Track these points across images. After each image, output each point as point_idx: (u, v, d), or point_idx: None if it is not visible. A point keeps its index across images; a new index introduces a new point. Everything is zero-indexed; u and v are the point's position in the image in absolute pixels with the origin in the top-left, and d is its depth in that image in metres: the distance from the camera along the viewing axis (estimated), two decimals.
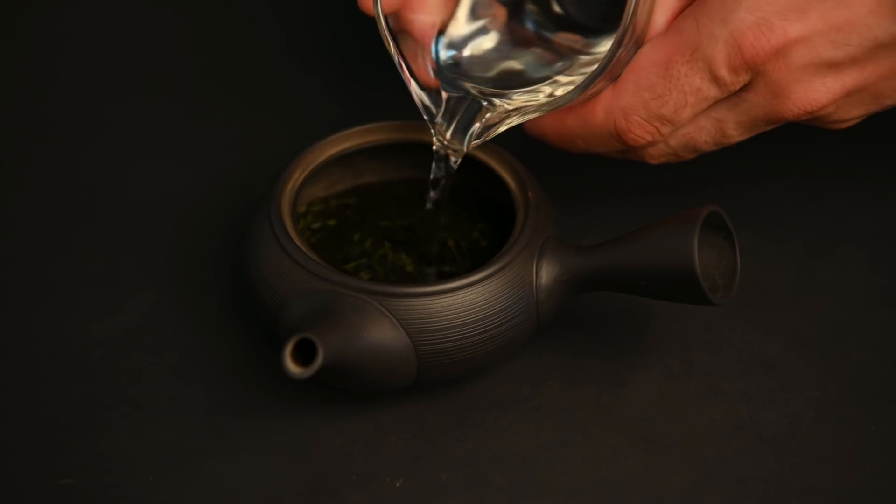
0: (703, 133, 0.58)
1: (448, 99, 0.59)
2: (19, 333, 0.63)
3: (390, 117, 0.64)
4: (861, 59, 0.54)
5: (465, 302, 0.56)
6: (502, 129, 0.58)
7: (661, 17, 0.56)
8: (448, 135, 0.58)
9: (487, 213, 0.65)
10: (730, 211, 0.59)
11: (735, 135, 0.58)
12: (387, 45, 0.57)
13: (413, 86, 0.58)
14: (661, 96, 0.56)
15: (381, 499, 0.57)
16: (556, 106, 0.56)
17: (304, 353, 0.52)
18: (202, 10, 0.83)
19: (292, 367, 0.51)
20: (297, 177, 0.61)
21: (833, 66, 0.55)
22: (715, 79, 0.55)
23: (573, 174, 0.71)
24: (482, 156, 0.63)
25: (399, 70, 0.58)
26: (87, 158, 0.73)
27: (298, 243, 0.58)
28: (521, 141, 0.65)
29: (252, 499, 0.57)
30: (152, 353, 0.62)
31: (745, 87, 0.56)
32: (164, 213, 0.70)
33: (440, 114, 0.58)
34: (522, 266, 0.58)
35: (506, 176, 0.62)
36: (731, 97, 0.57)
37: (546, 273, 0.58)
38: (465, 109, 0.58)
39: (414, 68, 0.58)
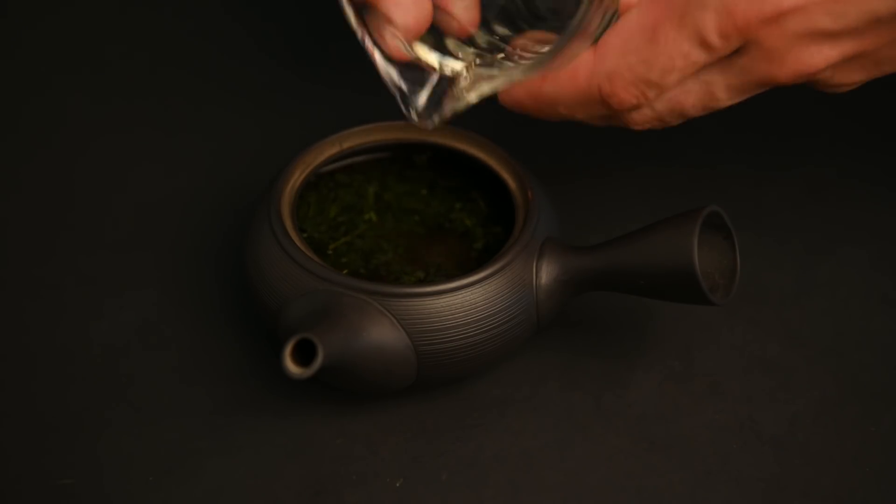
0: (691, 96, 0.56)
1: (417, 68, 0.55)
2: (18, 333, 0.63)
3: (390, 118, 0.64)
4: (859, 30, 0.52)
5: (465, 302, 0.56)
6: (473, 99, 0.55)
7: None
8: (419, 109, 0.56)
9: (489, 209, 0.65)
10: (730, 211, 0.58)
11: (724, 98, 0.56)
12: (347, 16, 0.54)
13: (378, 57, 0.55)
14: (648, 60, 0.53)
15: (381, 499, 0.57)
16: (528, 73, 0.52)
17: (304, 353, 0.52)
18: (203, 10, 0.83)
19: (292, 367, 0.51)
20: (297, 177, 0.61)
21: (830, 35, 0.52)
22: (704, 44, 0.52)
23: (573, 175, 0.71)
24: (482, 156, 0.63)
25: (361, 42, 0.55)
26: (87, 158, 0.73)
27: (298, 243, 0.58)
28: (521, 141, 0.65)
29: (252, 499, 0.56)
30: (152, 353, 0.62)
31: (737, 52, 0.53)
32: (165, 214, 0.70)
33: (411, 86, 0.55)
34: (522, 266, 0.58)
35: (506, 176, 0.62)
36: (722, 60, 0.54)
37: (546, 273, 0.58)
38: (438, 81, 0.55)
39: (379, 40, 0.55)
